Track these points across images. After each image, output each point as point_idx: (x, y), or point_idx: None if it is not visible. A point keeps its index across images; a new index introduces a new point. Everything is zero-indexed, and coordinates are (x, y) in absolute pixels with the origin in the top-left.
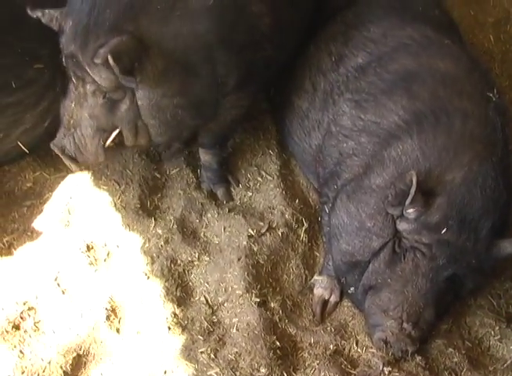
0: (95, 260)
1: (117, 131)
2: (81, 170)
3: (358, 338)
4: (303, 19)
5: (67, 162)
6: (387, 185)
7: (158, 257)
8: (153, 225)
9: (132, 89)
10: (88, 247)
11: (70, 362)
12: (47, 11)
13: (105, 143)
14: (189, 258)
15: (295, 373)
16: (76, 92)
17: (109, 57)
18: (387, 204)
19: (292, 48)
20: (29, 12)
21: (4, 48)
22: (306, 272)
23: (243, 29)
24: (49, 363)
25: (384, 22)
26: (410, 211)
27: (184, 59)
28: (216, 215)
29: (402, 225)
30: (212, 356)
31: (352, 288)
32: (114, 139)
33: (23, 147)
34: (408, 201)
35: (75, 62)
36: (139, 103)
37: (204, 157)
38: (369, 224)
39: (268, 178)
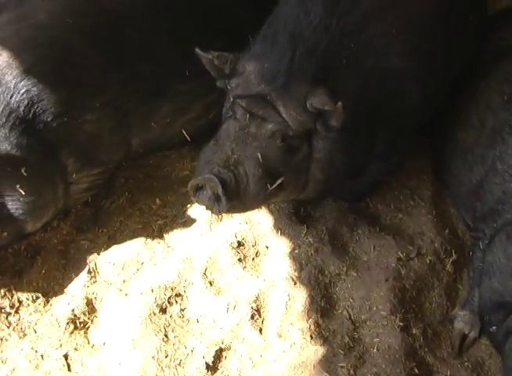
0: (244, 257)
1: (282, 178)
2: (222, 213)
3: None
4: (448, 87)
5: (222, 196)
6: None
7: (307, 264)
8: (304, 232)
9: (310, 141)
10: (239, 243)
11: (213, 354)
12: (221, 53)
13: (270, 187)
14: (337, 271)
15: None
16: (242, 131)
17: (340, 105)
18: None
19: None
20: (200, 52)
21: (184, 37)
22: (448, 303)
23: (396, 104)
24: (192, 351)
25: None
26: None
27: (355, 121)
28: (367, 232)
29: None
30: (352, 372)
31: (495, 328)
32: (276, 186)
33: (186, 135)
34: None
35: (260, 102)
36: (316, 155)
37: None
38: None
39: (421, 203)
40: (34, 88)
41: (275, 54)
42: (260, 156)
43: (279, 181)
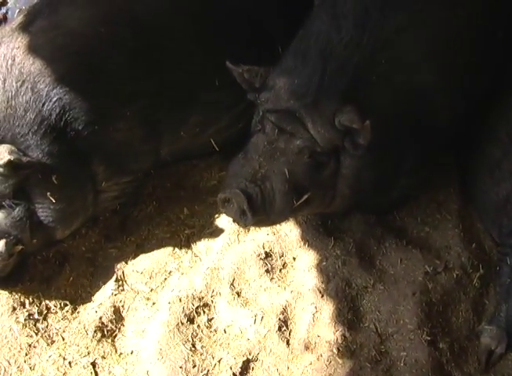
0: (272, 268)
1: (308, 194)
2: (248, 227)
3: None
4: (477, 102)
5: (248, 211)
6: None
7: (334, 277)
8: (331, 244)
9: (337, 157)
10: (266, 254)
11: (240, 365)
12: (251, 67)
13: (296, 202)
14: (364, 284)
15: None
16: (270, 145)
17: (367, 124)
18: None
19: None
20: (230, 66)
21: (214, 47)
22: (474, 318)
23: (425, 120)
24: (219, 361)
25: None
26: None
27: (384, 138)
28: (394, 246)
29: None
30: None
31: None
32: (302, 201)
33: (214, 145)
34: None
35: (289, 117)
36: (344, 171)
37: None
38: None
39: (447, 217)
40: (66, 97)
41: (305, 70)
42: (287, 171)
43: (305, 197)
